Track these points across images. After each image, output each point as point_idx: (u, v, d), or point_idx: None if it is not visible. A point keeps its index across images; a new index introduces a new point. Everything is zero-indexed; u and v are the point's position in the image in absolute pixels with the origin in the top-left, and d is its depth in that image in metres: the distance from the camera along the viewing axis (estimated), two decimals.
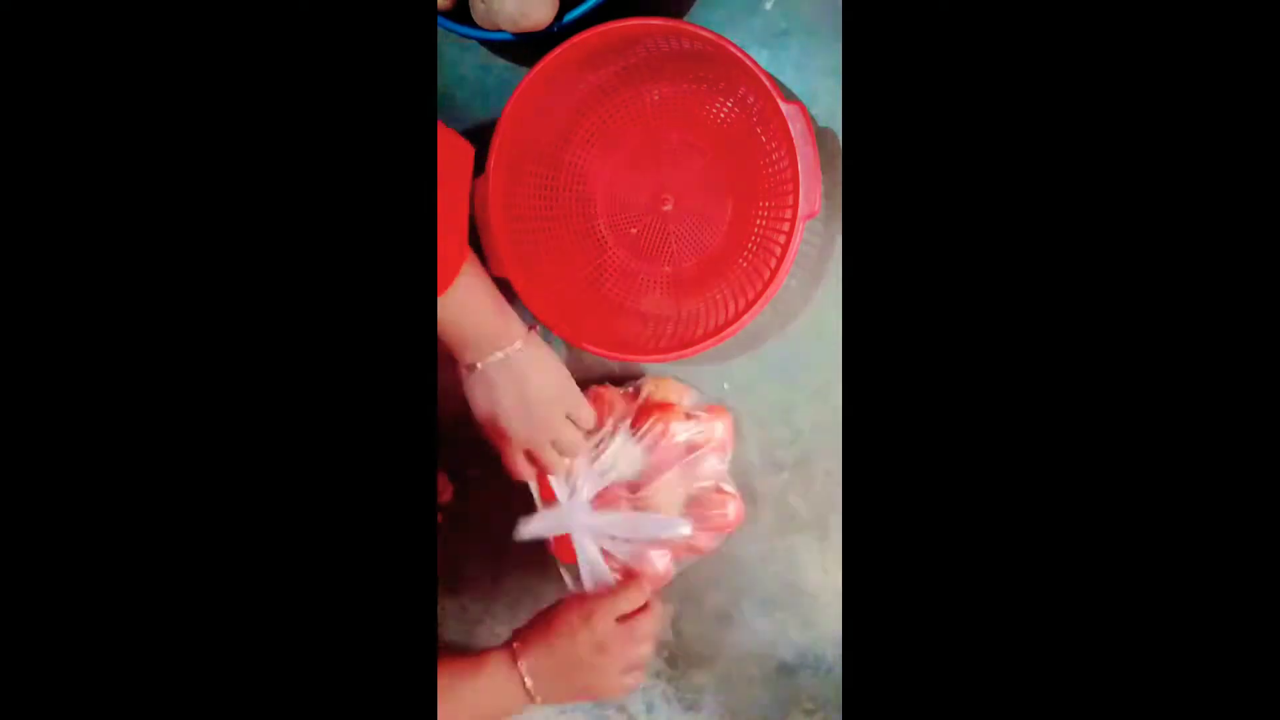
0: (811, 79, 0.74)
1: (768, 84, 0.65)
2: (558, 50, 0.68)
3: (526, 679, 0.64)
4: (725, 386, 0.79)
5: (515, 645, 0.66)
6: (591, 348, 0.71)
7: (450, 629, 0.86)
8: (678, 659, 0.82)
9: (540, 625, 0.67)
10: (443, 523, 0.78)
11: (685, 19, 0.75)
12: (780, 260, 0.67)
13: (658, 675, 0.82)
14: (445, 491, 0.79)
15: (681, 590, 0.81)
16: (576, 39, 0.67)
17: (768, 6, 0.75)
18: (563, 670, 0.65)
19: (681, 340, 0.70)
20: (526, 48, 0.72)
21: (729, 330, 0.67)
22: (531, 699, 0.65)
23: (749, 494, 0.79)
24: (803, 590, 0.79)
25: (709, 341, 0.68)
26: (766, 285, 0.67)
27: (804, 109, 0.66)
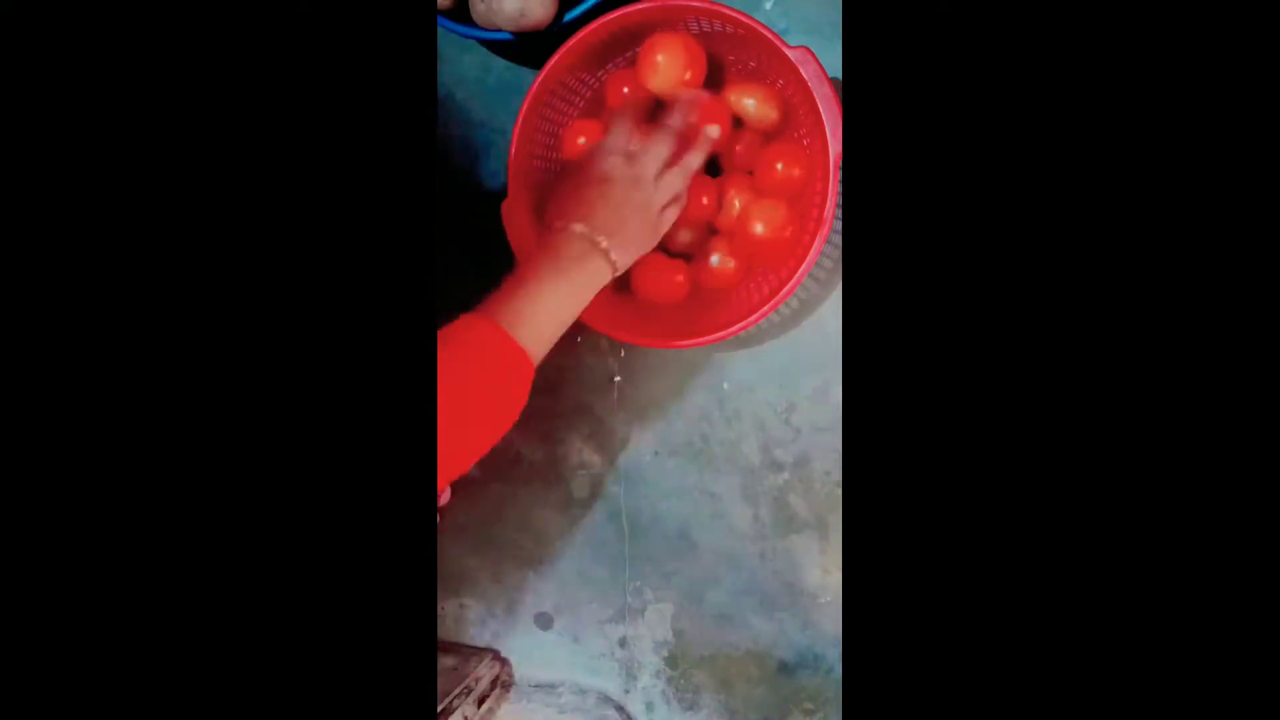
0: None
1: (771, 37, 0.64)
2: (571, 42, 0.68)
3: (581, 229, 0.59)
4: (725, 386, 0.79)
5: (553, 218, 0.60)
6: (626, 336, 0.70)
7: (450, 629, 0.86)
8: (678, 659, 0.82)
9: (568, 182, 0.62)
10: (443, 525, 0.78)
11: None
12: (821, 213, 0.65)
13: (657, 675, 0.82)
14: (444, 496, 0.79)
15: (682, 590, 0.81)
16: (588, 29, 0.67)
17: (768, 6, 0.75)
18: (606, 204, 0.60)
19: (749, 305, 0.69)
20: (526, 47, 0.72)
21: (797, 277, 0.66)
22: (607, 256, 0.59)
23: (749, 494, 0.79)
24: (803, 590, 0.79)
25: (783, 293, 0.66)
26: (814, 236, 0.65)
27: (811, 53, 0.64)
